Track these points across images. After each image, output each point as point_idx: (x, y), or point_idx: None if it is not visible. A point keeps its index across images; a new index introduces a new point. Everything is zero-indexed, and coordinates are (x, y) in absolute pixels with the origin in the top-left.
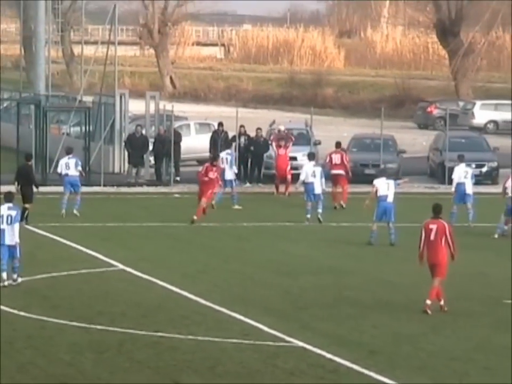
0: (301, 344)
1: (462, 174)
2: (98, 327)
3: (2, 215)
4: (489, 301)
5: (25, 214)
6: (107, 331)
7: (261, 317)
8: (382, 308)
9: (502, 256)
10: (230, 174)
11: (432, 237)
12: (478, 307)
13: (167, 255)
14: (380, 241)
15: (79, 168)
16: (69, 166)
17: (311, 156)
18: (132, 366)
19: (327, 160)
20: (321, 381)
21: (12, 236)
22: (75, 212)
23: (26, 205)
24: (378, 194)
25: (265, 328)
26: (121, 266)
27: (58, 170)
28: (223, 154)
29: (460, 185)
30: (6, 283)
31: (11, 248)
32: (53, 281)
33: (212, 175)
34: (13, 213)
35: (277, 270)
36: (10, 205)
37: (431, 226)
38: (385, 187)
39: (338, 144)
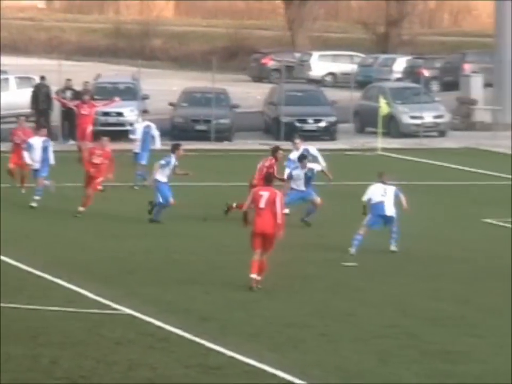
0: (128, 311)
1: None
2: None
3: None
4: (326, 263)
5: None
6: None
7: (85, 283)
8: (213, 272)
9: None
10: None
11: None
12: (314, 270)
13: None
14: None
15: None
16: None
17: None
18: None
19: None
20: (151, 350)
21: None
22: None
23: None
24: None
25: (90, 295)
26: None
27: None
28: None
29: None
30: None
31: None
32: None
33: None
34: None
35: (101, 233)
36: None
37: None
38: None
39: None
